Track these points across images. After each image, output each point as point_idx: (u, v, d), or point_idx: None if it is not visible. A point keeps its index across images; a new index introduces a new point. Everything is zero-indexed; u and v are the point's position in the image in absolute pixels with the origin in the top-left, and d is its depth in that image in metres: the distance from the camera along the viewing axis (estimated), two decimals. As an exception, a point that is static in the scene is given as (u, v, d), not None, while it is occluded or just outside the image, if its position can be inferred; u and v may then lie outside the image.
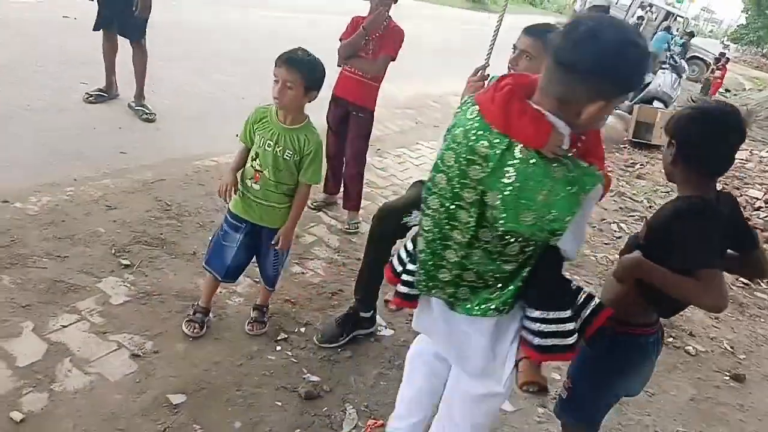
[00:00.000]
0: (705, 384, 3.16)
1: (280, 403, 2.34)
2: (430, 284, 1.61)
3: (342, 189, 4.05)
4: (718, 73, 15.44)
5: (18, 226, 2.95)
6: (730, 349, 3.56)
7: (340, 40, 3.68)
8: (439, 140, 1.56)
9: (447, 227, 1.51)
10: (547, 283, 1.52)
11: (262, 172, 2.41)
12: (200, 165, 4.19)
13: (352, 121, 3.81)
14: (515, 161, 1.34)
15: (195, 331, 2.57)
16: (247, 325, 2.71)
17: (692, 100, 11.65)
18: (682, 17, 25.21)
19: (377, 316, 2.92)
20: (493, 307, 1.52)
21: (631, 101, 8.98)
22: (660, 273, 1.61)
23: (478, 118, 1.42)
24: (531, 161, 1.33)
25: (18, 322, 2.38)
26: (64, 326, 2.42)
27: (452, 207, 1.47)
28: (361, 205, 4.05)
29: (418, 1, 17.20)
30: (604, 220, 5.32)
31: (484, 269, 1.50)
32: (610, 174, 1.57)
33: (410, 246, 1.76)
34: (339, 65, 3.76)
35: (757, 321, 3.93)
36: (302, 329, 2.80)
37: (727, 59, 16.63)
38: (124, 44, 4.64)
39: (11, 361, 2.20)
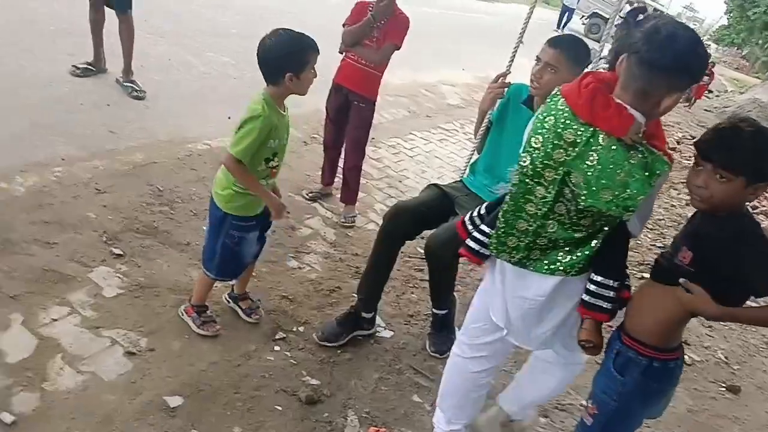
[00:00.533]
0: (702, 395, 3.17)
1: (280, 408, 2.27)
2: (500, 248, 1.86)
3: (339, 180, 3.95)
4: (705, 78, 15.57)
5: (3, 210, 2.80)
6: (724, 359, 3.58)
7: (344, 25, 3.56)
8: (528, 128, 1.78)
9: (521, 200, 1.77)
10: (614, 254, 1.75)
11: (278, 166, 2.35)
12: (192, 148, 4.05)
13: (353, 110, 3.70)
14: (599, 147, 1.59)
15: (217, 329, 2.51)
16: (252, 316, 2.65)
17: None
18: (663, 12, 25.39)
19: (377, 317, 2.86)
20: (561, 268, 1.76)
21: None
22: (755, 314, 1.56)
23: (567, 109, 1.65)
24: (612, 147, 1.57)
25: (6, 314, 2.25)
26: (55, 319, 2.31)
27: (530, 183, 1.73)
28: (358, 197, 3.97)
29: (409, -16, 16.98)
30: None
31: (557, 236, 1.75)
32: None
33: (483, 210, 2.02)
34: (341, 52, 3.65)
35: (748, 330, 3.96)
36: (300, 328, 2.72)
37: (713, 63, 16.80)
38: (111, 15, 4.44)
39: (1, 357, 2.08)
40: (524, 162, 1.74)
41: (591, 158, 1.60)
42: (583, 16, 22.60)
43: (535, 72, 2.37)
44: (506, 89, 2.63)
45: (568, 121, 1.64)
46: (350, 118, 3.73)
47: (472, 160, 2.92)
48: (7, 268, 2.46)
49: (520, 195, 1.77)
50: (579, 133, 1.61)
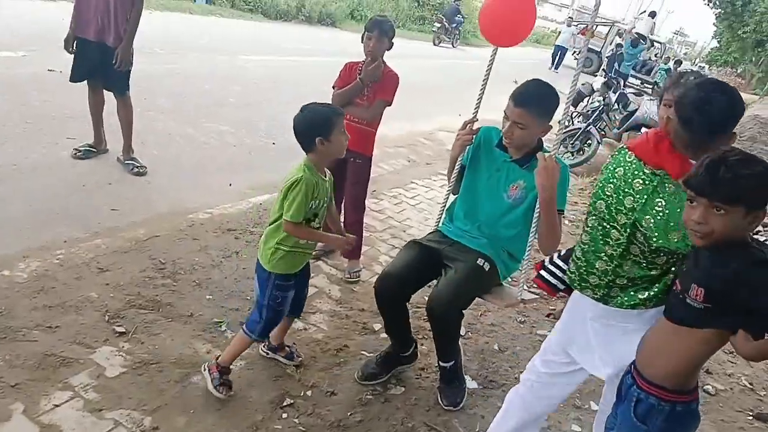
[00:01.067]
0: (729, 426, 3.04)
1: (290, 479, 2.19)
2: (583, 284, 2.06)
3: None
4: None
5: (6, 296, 2.82)
6: (749, 385, 3.44)
7: (333, 87, 3.62)
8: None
9: (600, 242, 1.99)
10: None
11: (319, 227, 2.51)
12: (194, 218, 4.08)
13: (350, 167, 3.73)
14: (665, 193, 1.82)
15: (230, 394, 2.54)
16: (295, 358, 2.82)
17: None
18: (660, 42, 25.79)
19: (417, 351, 2.96)
20: (641, 303, 1.93)
21: (618, 129, 9.03)
22: None
23: (635, 159, 1.90)
24: (678, 192, 1.78)
25: (7, 405, 2.23)
26: (57, 405, 2.28)
27: (607, 227, 1.96)
28: (362, 251, 3.95)
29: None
30: (605, 253, 5.24)
31: (634, 275, 1.93)
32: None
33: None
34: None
35: (772, 354, 3.83)
36: (308, 392, 2.67)
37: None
38: (110, 97, 4.57)
39: (0, 450, 2.05)
40: (600, 207, 1.99)
41: (659, 204, 1.83)
42: (575, 52, 22.99)
43: (506, 131, 2.48)
44: (475, 135, 2.67)
45: (636, 171, 1.89)
46: (347, 174, 3.76)
47: (447, 205, 2.92)
48: (9, 357, 2.45)
49: (599, 237, 1.99)
50: (647, 182, 1.86)
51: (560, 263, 2.23)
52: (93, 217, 3.78)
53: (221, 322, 3.01)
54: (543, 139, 2.65)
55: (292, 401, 2.58)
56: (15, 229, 3.43)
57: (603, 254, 1.97)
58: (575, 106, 9.54)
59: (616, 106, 8.93)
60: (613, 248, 1.95)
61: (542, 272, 2.29)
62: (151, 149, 5.03)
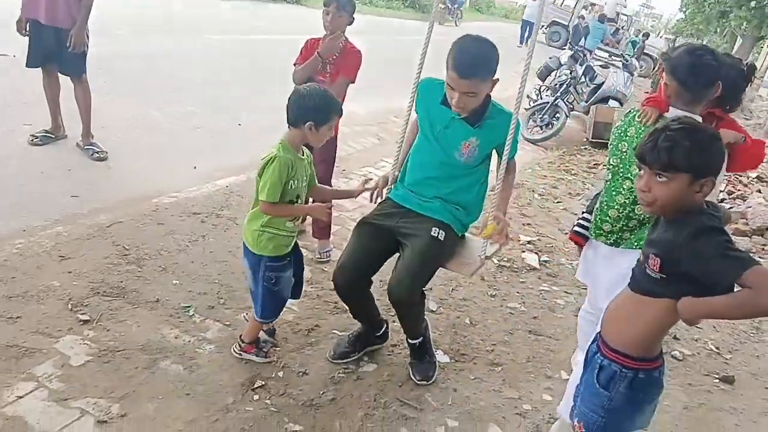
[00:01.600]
0: (696, 390, 3.11)
1: (263, 460, 2.18)
2: (597, 232, 2.47)
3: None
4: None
5: (-37, 288, 2.73)
6: (715, 349, 3.53)
7: (294, 64, 3.55)
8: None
9: (614, 193, 2.39)
10: None
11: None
12: (159, 203, 4.00)
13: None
14: None
15: (275, 350, 2.75)
16: (266, 355, 2.72)
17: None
18: (627, 15, 25.95)
19: (388, 331, 2.96)
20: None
21: (587, 102, 9.10)
22: (718, 304, 1.49)
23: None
24: None
25: (-33, 398, 2.17)
26: (20, 397, 2.22)
27: (620, 180, 2.36)
28: (332, 231, 3.92)
29: (362, 15, 17.26)
30: (574, 225, 5.29)
31: (644, 216, 2.26)
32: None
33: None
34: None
35: (736, 317, 3.93)
36: (280, 373, 2.65)
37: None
38: (66, 81, 4.43)
39: (-39, 445, 1.99)
40: (615, 163, 2.40)
41: None
42: (542, 26, 23.01)
43: (456, 103, 2.40)
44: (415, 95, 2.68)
45: (645, 128, 2.27)
46: (313, 153, 3.70)
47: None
48: (-32, 350, 2.38)
49: (613, 189, 2.39)
50: None
51: (588, 216, 2.61)
52: (53, 205, 3.68)
53: (189, 306, 2.97)
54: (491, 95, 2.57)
55: (263, 382, 2.56)
56: (-30, 219, 3.32)
57: (616, 204, 2.37)
58: (543, 80, 9.58)
59: (583, 79, 8.99)
60: (626, 197, 2.33)
61: (575, 228, 2.67)
62: (112, 133, 4.90)
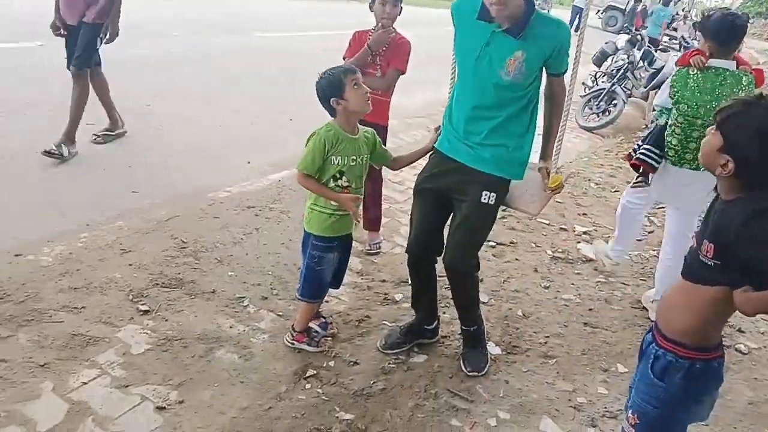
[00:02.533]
0: (762, 384, 2.96)
1: (314, 448, 2.21)
2: (681, 161, 3.12)
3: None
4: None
5: (32, 280, 2.88)
6: (783, 342, 3.36)
7: (344, 58, 3.57)
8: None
9: (689, 131, 3.03)
10: None
11: (350, 186, 2.52)
12: (214, 197, 4.11)
13: (365, 138, 3.68)
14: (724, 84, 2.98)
15: (328, 343, 2.79)
16: (328, 329, 2.84)
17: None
18: (689, -3, 24.83)
19: (439, 326, 2.96)
20: None
21: (645, 87, 8.77)
22: None
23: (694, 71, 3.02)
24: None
25: (37, 383, 2.28)
26: (85, 383, 2.33)
27: (691, 119, 3.01)
28: (382, 223, 3.93)
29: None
30: (632, 214, 5.11)
31: None
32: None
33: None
34: None
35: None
36: (331, 363, 2.68)
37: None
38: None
39: (31, 426, 2.10)
40: (684, 109, 3.01)
41: (723, 92, 2.96)
42: (598, 11, 22.32)
43: (495, 3, 2.20)
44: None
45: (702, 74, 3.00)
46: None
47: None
48: (37, 338, 2.51)
49: (688, 127, 3.02)
50: (714, 79, 2.99)
51: (652, 148, 3.22)
52: (114, 201, 3.83)
53: (243, 297, 3.04)
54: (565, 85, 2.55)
55: (315, 372, 2.60)
56: (39, 216, 3.49)
57: (693, 136, 2.99)
58: (599, 66, 9.29)
59: (641, 64, 8.66)
60: (699, 130, 2.92)
61: (640, 155, 3.27)
62: (169, 132, 5.06)
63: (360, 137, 2.53)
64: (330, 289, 2.87)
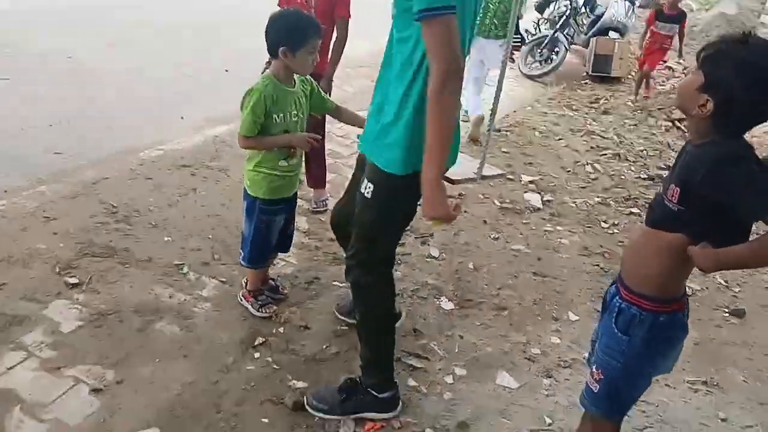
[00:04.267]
0: (706, 324, 3.05)
1: (266, 420, 2.10)
2: None
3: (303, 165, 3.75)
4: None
5: (-57, 256, 2.61)
6: (724, 283, 3.45)
7: (279, 5, 3.33)
8: None
9: None
10: None
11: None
12: (145, 156, 3.84)
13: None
14: None
15: (274, 310, 2.61)
16: (261, 309, 2.60)
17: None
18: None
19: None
20: None
21: (586, 34, 8.77)
22: (745, 253, 1.38)
23: None
24: None
25: (-46, 371, 2.08)
26: (10, 368, 2.12)
27: None
28: (327, 179, 3.78)
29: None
30: (577, 162, 5.14)
31: None
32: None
33: None
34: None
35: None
36: (280, 329, 2.56)
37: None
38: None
39: (-50, 420, 1.91)
40: None
41: None
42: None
43: None
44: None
45: None
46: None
47: None
48: (-48, 320, 2.28)
49: None
50: None
51: None
52: (35, 163, 3.52)
53: (182, 264, 2.85)
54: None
55: (263, 339, 2.48)
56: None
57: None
58: (541, 12, 9.21)
59: (583, 10, 8.63)
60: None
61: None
62: (92, 86, 4.67)
63: (298, 88, 2.36)
64: (279, 253, 2.73)
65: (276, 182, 2.39)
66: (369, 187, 1.86)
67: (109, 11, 6.52)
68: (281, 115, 2.29)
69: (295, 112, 2.35)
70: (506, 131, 5.63)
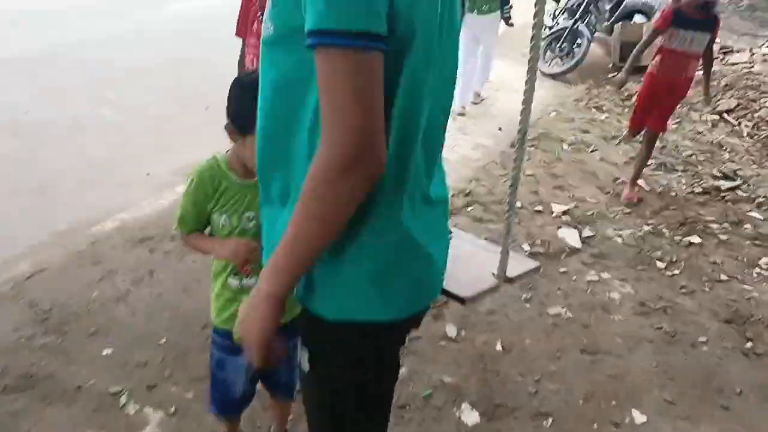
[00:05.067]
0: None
1: None
2: None
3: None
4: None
5: None
6: None
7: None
8: None
9: None
10: None
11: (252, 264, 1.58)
12: (98, 232, 3.22)
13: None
14: None
15: None
16: None
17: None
18: None
19: None
20: None
21: (608, 21, 7.92)
22: None
23: None
24: None
25: None
26: None
27: None
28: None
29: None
30: (617, 180, 4.37)
31: None
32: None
33: None
34: (237, 35, 2.96)
35: None
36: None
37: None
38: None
39: None
40: None
41: None
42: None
43: None
44: None
45: None
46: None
47: None
48: None
49: None
50: None
51: None
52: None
53: (120, 392, 2.20)
54: None
55: None
56: None
57: None
58: (557, 1, 8.38)
59: (603, -6, 7.80)
60: None
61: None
62: (45, 146, 4.08)
63: (251, 185, 1.53)
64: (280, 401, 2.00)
65: (227, 308, 1.64)
66: (305, 357, 1.15)
67: (60, 60, 5.93)
68: (224, 217, 1.58)
69: (249, 215, 1.58)
70: (529, 147, 4.87)
